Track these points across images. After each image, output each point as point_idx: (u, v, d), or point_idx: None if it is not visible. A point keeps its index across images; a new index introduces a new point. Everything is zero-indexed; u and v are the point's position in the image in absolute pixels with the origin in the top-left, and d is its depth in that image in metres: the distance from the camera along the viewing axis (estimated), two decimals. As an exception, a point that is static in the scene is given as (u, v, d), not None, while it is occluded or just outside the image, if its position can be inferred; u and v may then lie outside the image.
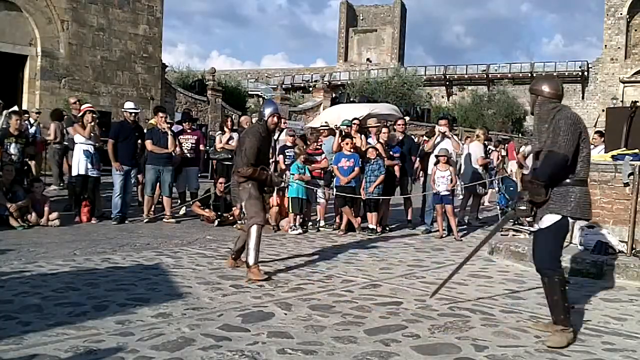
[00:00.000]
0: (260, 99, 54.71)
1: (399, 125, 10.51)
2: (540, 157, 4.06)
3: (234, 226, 9.34)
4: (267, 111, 5.96)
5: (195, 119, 17.52)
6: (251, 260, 5.58)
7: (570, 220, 4.06)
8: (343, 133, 9.70)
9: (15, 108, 10.57)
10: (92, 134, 9.10)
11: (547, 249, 4.04)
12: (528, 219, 4.32)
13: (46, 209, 8.58)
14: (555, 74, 54.87)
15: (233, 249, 6.23)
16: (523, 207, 4.06)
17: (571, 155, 3.90)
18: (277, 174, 6.00)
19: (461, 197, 11.11)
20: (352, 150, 9.24)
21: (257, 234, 5.65)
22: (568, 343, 3.87)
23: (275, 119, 5.99)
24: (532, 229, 4.39)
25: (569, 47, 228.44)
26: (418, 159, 10.22)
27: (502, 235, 8.94)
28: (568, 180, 3.97)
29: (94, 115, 9.31)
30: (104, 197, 10.13)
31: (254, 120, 9.09)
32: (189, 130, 10.42)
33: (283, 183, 9.22)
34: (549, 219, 4.02)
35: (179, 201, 10.50)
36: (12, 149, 8.92)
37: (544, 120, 4.07)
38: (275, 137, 10.72)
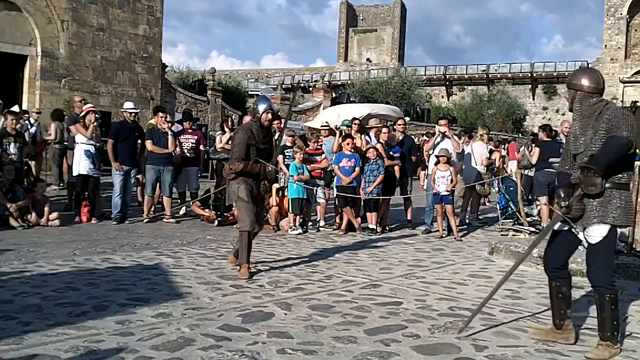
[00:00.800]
0: (260, 99, 54.56)
1: (399, 125, 10.51)
2: (577, 160, 3.72)
3: (234, 226, 9.32)
4: (261, 107, 5.92)
5: (196, 118, 17.51)
6: (240, 260, 5.73)
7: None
8: (343, 133, 9.70)
9: (16, 108, 10.56)
10: (93, 134, 9.10)
11: (602, 267, 3.68)
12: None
13: (46, 209, 8.58)
14: (555, 74, 55.02)
15: (234, 246, 6.23)
16: (578, 205, 3.64)
17: (634, 144, 3.52)
18: (269, 169, 5.83)
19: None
20: (352, 150, 9.24)
21: (243, 239, 5.69)
22: (613, 355, 3.68)
23: (270, 116, 5.91)
24: (578, 233, 3.80)
25: (568, 47, 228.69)
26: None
27: (502, 235, 8.96)
28: (608, 185, 3.60)
29: (97, 115, 9.30)
30: (104, 197, 10.13)
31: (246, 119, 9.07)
32: (189, 130, 10.41)
33: (280, 179, 9.22)
34: (598, 233, 3.66)
35: (179, 201, 10.50)
36: (12, 148, 8.91)
37: (586, 117, 3.71)
38: (276, 137, 10.74)
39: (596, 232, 3.67)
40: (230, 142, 10.26)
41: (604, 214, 3.63)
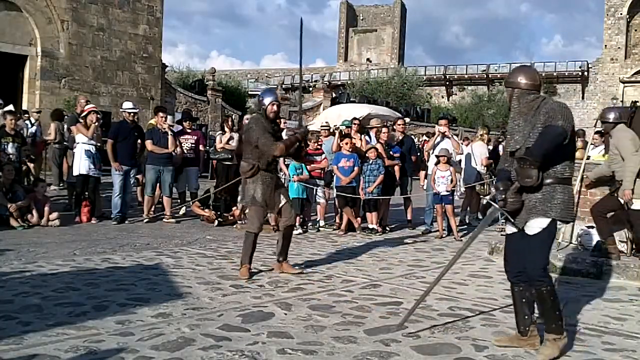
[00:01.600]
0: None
1: (399, 125, 10.51)
2: (516, 155, 3.68)
3: (234, 226, 9.33)
4: (267, 99, 5.80)
5: (196, 118, 17.51)
6: (242, 259, 5.73)
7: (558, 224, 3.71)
8: (342, 133, 9.70)
9: (11, 107, 10.50)
10: (94, 134, 9.09)
11: (537, 258, 3.67)
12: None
13: (46, 209, 8.58)
14: (555, 74, 55.01)
15: (276, 252, 6.10)
16: (512, 198, 3.62)
17: (569, 134, 3.50)
18: (302, 130, 5.83)
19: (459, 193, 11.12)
20: (350, 150, 9.25)
21: (249, 240, 5.70)
22: (561, 352, 3.66)
23: (275, 107, 5.80)
24: (507, 229, 3.85)
25: (568, 48, 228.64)
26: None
27: (502, 235, 8.94)
28: (550, 180, 3.60)
29: (98, 116, 9.30)
30: (104, 197, 10.13)
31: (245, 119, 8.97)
32: (189, 130, 10.39)
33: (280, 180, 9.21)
34: (537, 224, 3.65)
35: (179, 201, 10.50)
36: (10, 148, 8.90)
37: (524, 113, 3.69)
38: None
39: (535, 224, 3.66)
40: (230, 142, 10.33)
41: (548, 209, 3.63)
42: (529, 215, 3.67)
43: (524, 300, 3.83)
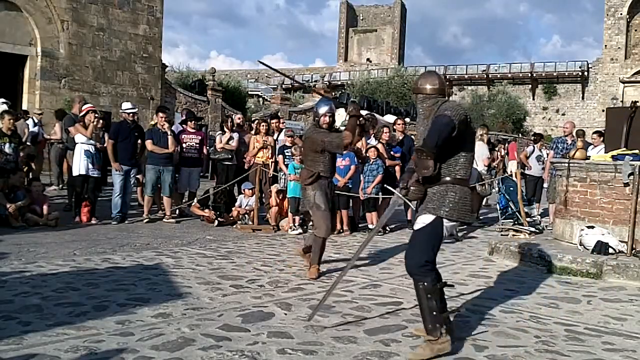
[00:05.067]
0: (260, 99, 54.61)
1: (399, 125, 10.51)
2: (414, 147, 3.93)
3: (234, 226, 9.34)
4: (322, 110, 6.02)
5: (200, 118, 17.48)
6: (312, 260, 5.93)
7: (448, 223, 3.75)
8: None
9: (5, 107, 10.46)
10: (93, 134, 9.08)
11: (416, 253, 3.70)
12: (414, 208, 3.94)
13: (45, 208, 8.58)
14: (555, 74, 55.05)
15: (305, 243, 6.35)
16: (414, 187, 3.80)
17: (456, 125, 3.61)
18: (354, 106, 5.87)
19: None
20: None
21: (318, 244, 5.88)
22: (435, 356, 3.56)
23: (327, 119, 5.99)
24: (416, 223, 3.90)
25: (566, 48, 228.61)
26: None
27: (502, 235, 8.95)
28: (447, 179, 3.72)
29: (96, 115, 9.28)
30: (105, 198, 10.12)
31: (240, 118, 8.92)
32: (192, 130, 10.35)
33: (280, 180, 9.28)
34: (422, 220, 3.75)
35: (187, 200, 10.47)
36: (7, 149, 8.88)
37: (427, 117, 3.84)
38: (275, 137, 10.76)
39: (421, 220, 3.78)
40: (230, 142, 10.33)
41: (437, 207, 3.73)
42: (421, 211, 3.82)
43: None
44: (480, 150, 10.89)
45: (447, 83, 57.89)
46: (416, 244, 3.75)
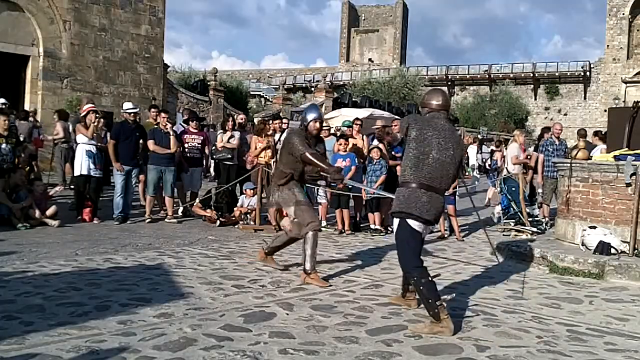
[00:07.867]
0: (262, 99, 54.59)
1: (396, 126, 10.49)
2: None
3: (236, 226, 9.34)
4: (310, 116, 5.73)
5: (202, 118, 17.49)
6: (309, 267, 5.48)
7: (416, 223, 4.21)
8: (337, 134, 9.73)
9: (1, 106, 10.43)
10: (95, 134, 9.09)
11: (399, 251, 4.35)
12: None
13: (51, 209, 8.58)
14: (557, 74, 55.02)
15: (269, 244, 6.09)
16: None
17: (406, 128, 4.49)
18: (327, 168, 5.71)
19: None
20: (346, 150, 9.28)
21: (315, 240, 5.53)
22: (435, 334, 3.99)
23: (318, 125, 5.73)
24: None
25: (567, 48, 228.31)
26: None
27: (504, 235, 8.95)
28: (399, 182, 4.33)
29: (97, 115, 9.28)
30: (107, 198, 10.12)
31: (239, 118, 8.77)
32: (194, 130, 10.35)
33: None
34: (395, 222, 4.37)
35: (180, 202, 10.48)
36: (3, 149, 8.86)
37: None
38: (277, 137, 10.75)
39: (394, 222, 4.41)
40: (231, 141, 10.33)
41: (395, 207, 4.35)
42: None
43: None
44: (514, 151, 10.71)
45: (450, 83, 57.98)
46: (398, 247, 4.36)
